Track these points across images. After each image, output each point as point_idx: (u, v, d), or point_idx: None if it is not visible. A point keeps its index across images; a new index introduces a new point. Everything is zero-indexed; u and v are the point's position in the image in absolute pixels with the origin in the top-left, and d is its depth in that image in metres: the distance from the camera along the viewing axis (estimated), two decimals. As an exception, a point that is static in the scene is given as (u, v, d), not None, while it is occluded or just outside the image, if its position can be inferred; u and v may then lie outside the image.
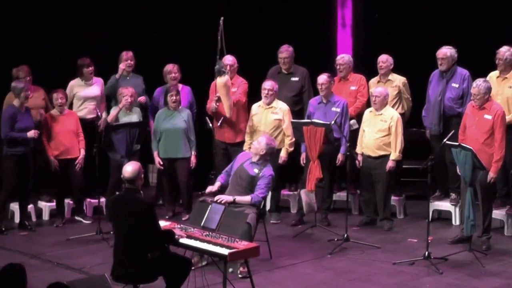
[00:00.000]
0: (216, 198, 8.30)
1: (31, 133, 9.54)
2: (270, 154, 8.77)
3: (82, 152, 9.97)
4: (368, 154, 9.71)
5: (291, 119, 9.87)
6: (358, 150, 9.79)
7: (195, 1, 12.27)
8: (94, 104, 10.35)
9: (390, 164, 9.61)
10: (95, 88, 10.41)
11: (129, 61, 10.57)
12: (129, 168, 6.86)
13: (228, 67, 10.05)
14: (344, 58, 10.41)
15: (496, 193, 9.60)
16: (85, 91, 10.31)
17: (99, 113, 10.27)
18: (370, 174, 9.75)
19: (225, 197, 8.35)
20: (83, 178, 10.04)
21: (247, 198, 8.43)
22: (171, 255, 6.95)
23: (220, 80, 8.32)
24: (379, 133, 9.64)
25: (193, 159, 10.08)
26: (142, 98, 10.45)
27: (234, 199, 8.36)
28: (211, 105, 9.99)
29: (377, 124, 9.66)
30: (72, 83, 10.40)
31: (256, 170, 8.62)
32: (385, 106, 9.66)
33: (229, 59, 10.14)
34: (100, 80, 10.52)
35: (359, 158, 9.72)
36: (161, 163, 10.10)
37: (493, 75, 9.65)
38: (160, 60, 11.06)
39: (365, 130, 9.76)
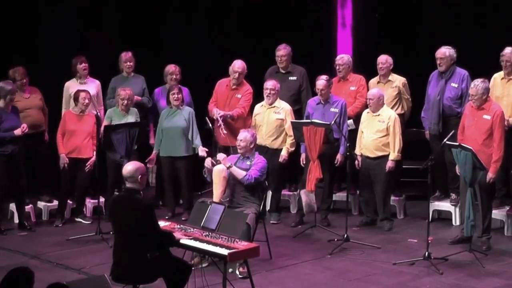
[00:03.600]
0: (218, 156, 8.65)
1: (18, 131, 9.48)
2: (255, 142, 8.97)
3: (95, 154, 9.93)
4: (367, 155, 9.70)
5: (293, 119, 9.87)
6: (357, 151, 9.77)
7: (196, 1, 12.28)
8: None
9: (389, 164, 9.60)
10: (91, 87, 10.37)
11: (128, 63, 10.56)
12: (129, 167, 6.86)
13: (237, 75, 10.09)
14: (343, 58, 10.39)
15: (495, 193, 9.60)
16: None
17: (98, 113, 10.26)
18: (369, 174, 9.74)
19: (225, 159, 8.63)
20: (88, 179, 10.03)
21: (242, 172, 8.61)
22: (171, 257, 6.94)
23: (218, 168, 8.46)
24: (377, 133, 9.63)
25: (201, 153, 9.90)
26: (137, 98, 10.41)
27: (231, 165, 8.60)
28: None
29: (375, 124, 9.65)
30: (67, 83, 10.39)
31: (248, 163, 8.77)
32: (381, 107, 9.65)
33: (238, 66, 10.14)
34: (95, 81, 10.50)
35: (358, 159, 9.70)
36: (153, 164, 10.16)
37: (497, 76, 9.62)
38: (160, 60, 11.05)
39: (363, 131, 9.75)
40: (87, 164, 9.92)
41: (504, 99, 9.50)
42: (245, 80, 10.30)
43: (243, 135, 8.86)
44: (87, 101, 9.89)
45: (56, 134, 9.96)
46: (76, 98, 9.94)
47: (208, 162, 8.77)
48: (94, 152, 9.94)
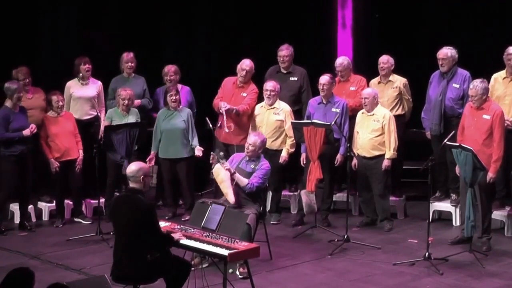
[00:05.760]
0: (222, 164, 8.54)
1: (27, 131, 9.54)
2: (263, 147, 8.95)
3: (81, 153, 9.97)
4: (363, 155, 9.69)
5: (293, 120, 9.86)
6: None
7: (196, 1, 12.28)
8: (90, 105, 10.33)
9: (385, 163, 9.59)
10: (91, 88, 10.38)
11: (129, 64, 10.56)
12: (133, 167, 6.86)
13: (244, 72, 10.08)
14: (343, 64, 10.30)
15: (495, 194, 9.59)
16: (80, 91, 10.29)
17: (99, 114, 10.26)
18: (367, 174, 9.73)
19: (229, 167, 8.55)
20: (81, 179, 10.03)
21: (244, 180, 8.57)
22: (171, 257, 6.94)
23: (218, 167, 8.46)
24: (373, 133, 9.62)
25: (197, 153, 9.93)
26: (137, 102, 10.39)
27: (235, 172, 8.54)
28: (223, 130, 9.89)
29: (370, 124, 9.64)
30: (69, 83, 10.38)
31: (252, 166, 8.75)
32: (375, 106, 9.65)
33: (246, 64, 10.14)
34: (97, 82, 10.48)
35: (354, 160, 9.67)
36: (152, 163, 10.10)
37: (498, 76, 9.60)
38: (161, 60, 11.05)
39: (358, 132, 9.75)
40: (76, 164, 9.93)
41: (507, 98, 9.49)
42: (255, 91, 10.26)
43: (253, 140, 8.83)
44: (60, 103, 9.86)
45: (40, 140, 9.88)
46: (49, 102, 9.90)
47: (213, 158, 8.71)
48: (81, 151, 9.96)
